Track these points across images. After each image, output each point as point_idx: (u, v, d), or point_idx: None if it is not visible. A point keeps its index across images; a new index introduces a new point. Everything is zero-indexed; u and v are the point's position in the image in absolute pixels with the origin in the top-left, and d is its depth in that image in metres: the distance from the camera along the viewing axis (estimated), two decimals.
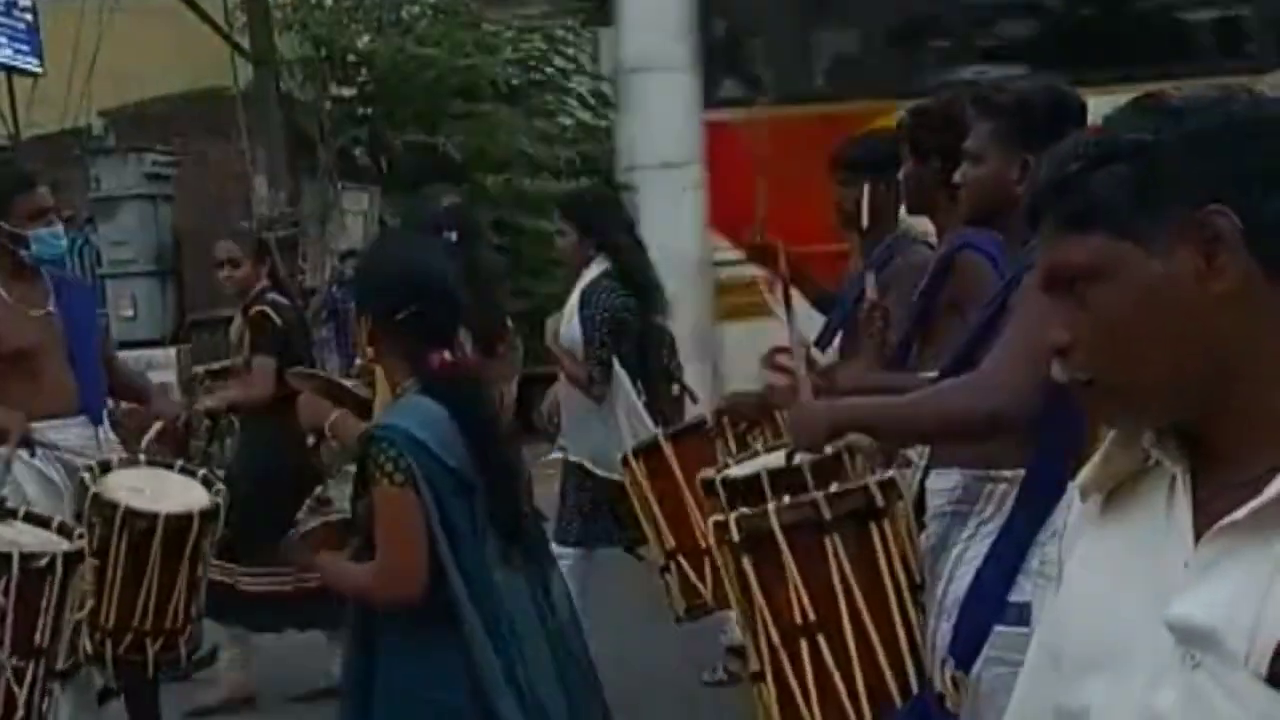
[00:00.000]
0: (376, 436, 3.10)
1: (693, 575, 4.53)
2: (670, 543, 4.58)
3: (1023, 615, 2.67)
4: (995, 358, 2.74)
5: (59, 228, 5.11)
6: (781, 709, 3.18)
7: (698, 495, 4.25)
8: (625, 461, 4.83)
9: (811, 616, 3.13)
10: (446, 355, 3.21)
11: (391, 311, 3.16)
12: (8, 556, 4.03)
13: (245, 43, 13.93)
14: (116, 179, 13.59)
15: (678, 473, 4.52)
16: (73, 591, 4.20)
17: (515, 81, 15.88)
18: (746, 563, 3.16)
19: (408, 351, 3.19)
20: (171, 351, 12.65)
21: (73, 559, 4.19)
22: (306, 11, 14.96)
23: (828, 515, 3.15)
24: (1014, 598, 2.69)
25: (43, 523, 4.37)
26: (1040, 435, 2.66)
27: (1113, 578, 1.40)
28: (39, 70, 14.51)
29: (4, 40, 14.16)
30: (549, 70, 17.04)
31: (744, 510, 3.28)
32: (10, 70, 14.22)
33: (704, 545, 4.14)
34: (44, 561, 4.07)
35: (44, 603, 4.07)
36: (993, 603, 2.72)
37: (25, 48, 14.53)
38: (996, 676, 2.70)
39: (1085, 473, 1.46)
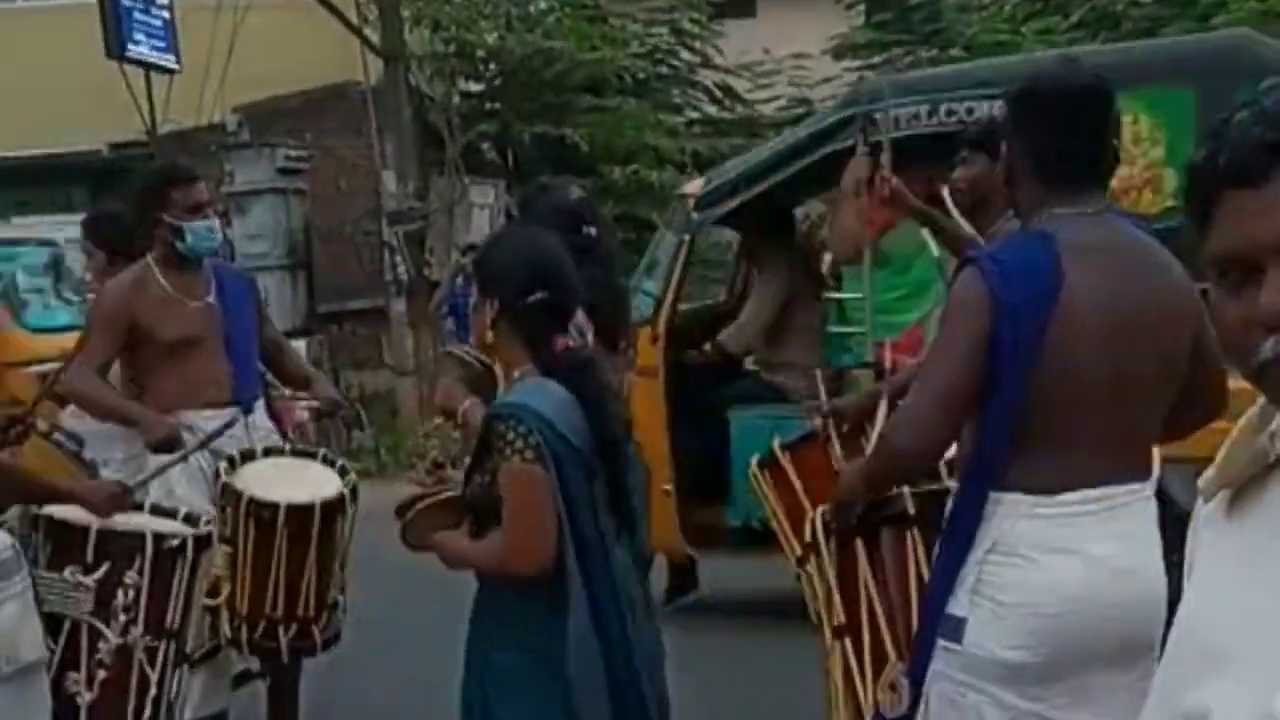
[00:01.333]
0: (503, 414, 3.15)
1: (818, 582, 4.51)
2: (797, 550, 4.56)
3: (959, 630, 2.72)
4: (904, 404, 2.91)
5: (214, 221, 5.20)
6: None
7: (816, 502, 4.26)
8: (753, 474, 4.81)
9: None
10: (568, 341, 3.31)
11: (518, 297, 3.23)
12: (141, 537, 4.13)
13: (376, 38, 14.09)
14: (250, 174, 13.85)
15: (795, 481, 4.50)
16: (202, 575, 4.30)
17: (642, 75, 15.89)
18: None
19: (530, 336, 3.25)
20: (302, 343, 12.84)
21: (202, 542, 4.30)
22: (437, 7, 15.09)
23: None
24: (951, 610, 2.73)
25: (168, 514, 4.46)
26: (968, 453, 2.77)
27: (1237, 578, 1.37)
28: (176, 67, 14.81)
29: (142, 37, 14.46)
30: (675, 64, 17.04)
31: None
32: (148, 67, 14.52)
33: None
34: (175, 543, 4.18)
35: (175, 585, 4.18)
36: (935, 616, 2.77)
37: (162, 44, 14.83)
38: (940, 691, 2.76)
39: (1208, 473, 1.42)
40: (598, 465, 3.23)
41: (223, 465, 4.73)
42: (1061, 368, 2.67)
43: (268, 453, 4.95)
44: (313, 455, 5.09)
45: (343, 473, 4.95)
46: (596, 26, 15.77)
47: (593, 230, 4.51)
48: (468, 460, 3.39)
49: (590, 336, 4.33)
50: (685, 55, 17.05)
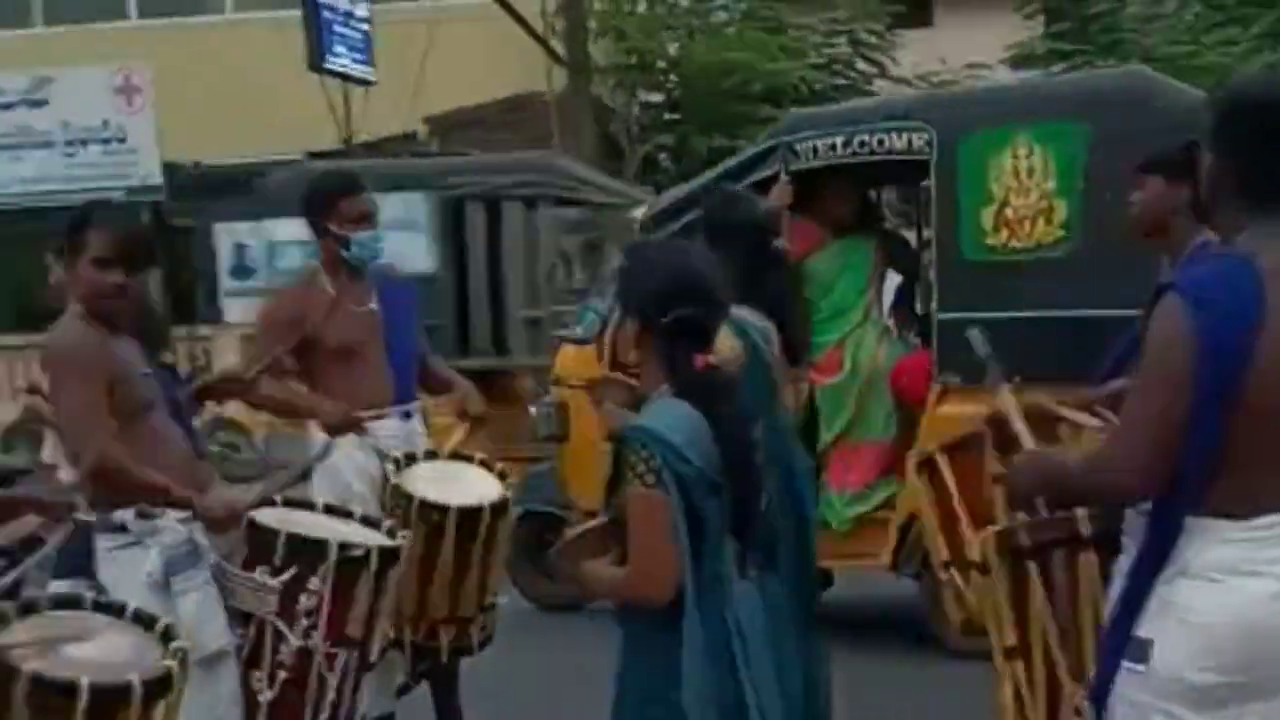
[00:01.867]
0: (628, 438, 3.14)
1: (962, 586, 4.50)
2: (944, 554, 4.57)
3: (1145, 652, 2.68)
4: (1118, 432, 2.85)
5: (378, 231, 5.29)
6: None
7: (970, 507, 4.26)
8: (908, 472, 4.82)
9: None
10: (709, 359, 3.25)
11: (655, 316, 3.17)
12: (325, 545, 4.18)
13: (561, 50, 14.46)
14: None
15: (951, 485, 4.51)
16: (390, 587, 4.32)
17: (818, 86, 16.05)
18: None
19: (668, 355, 3.21)
20: None
21: (389, 555, 4.31)
22: (621, 18, 15.42)
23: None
24: (1137, 633, 2.71)
25: (345, 515, 4.54)
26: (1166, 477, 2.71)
27: None
28: (372, 79, 15.44)
29: (342, 50, 15.09)
30: (852, 74, 17.14)
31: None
32: (346, 78, 15.16)
33: (973, 560, 3.97)
34: (359, 553, 4.19)
35: (358, 594, 4.19)
36: (1120, 638, 2.74)
37: (360, 56, 15.46)
38: (1124, 714, 2.72)
39: None
40: (725, 485, 3.17)
41: (389, 468, 4.84)
42: (1264, 398, 2.62)
43: (428, 455, 5.06)
44: (469, 459, 5.16)
45: (501, 476, 5.06)
46: (776, 38, 15.94)
47: (780, 243, 4.57)
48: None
49: (776, 348, 4.37)
50: (862, 66, 17.14)
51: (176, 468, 4.16)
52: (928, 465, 4.55)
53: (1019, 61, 17.77)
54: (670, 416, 3.15)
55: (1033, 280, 6.25)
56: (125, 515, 4.07)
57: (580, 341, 7.45)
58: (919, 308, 7.11)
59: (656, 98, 15.88)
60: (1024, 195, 6.34)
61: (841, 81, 16.90)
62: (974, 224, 6.43)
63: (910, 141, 6.55)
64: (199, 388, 4.83)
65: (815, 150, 6.69)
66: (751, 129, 15.18)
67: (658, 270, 3.26)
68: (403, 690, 5.12)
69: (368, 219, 5.23)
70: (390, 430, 5.20)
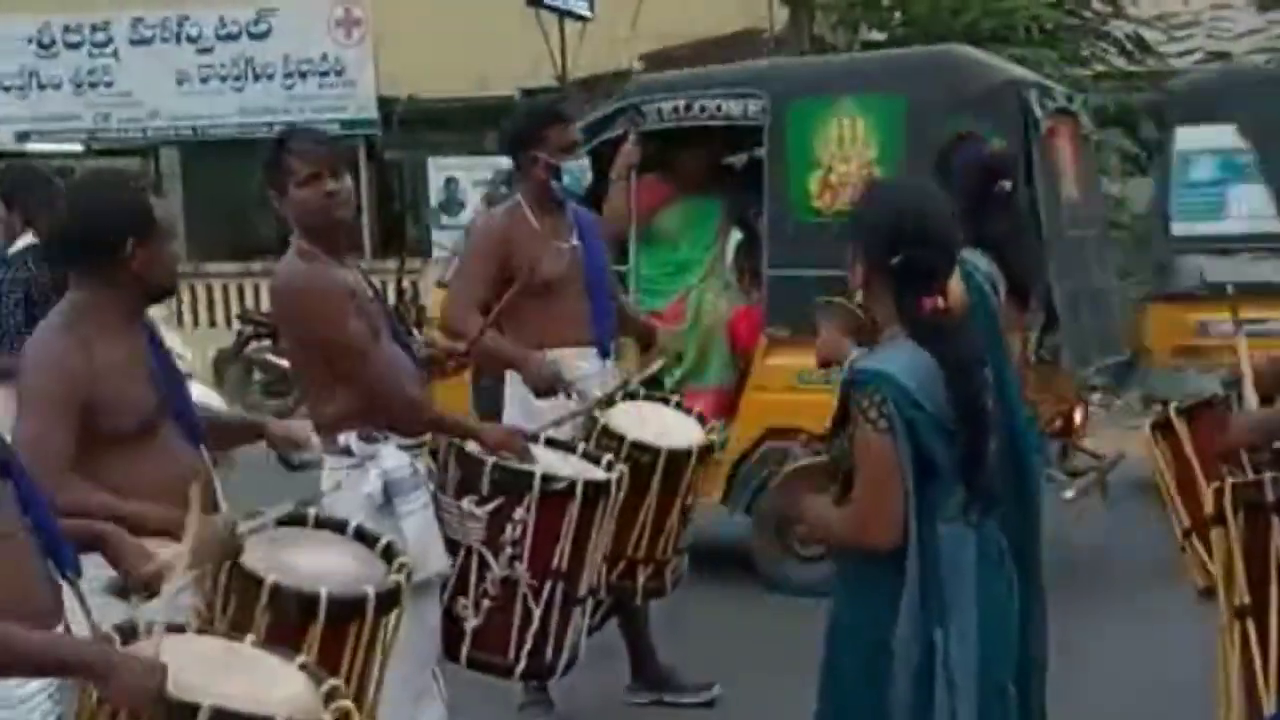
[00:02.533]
0: (859, 380, 3.11)
1: (1204, 555, 4.34)
2: (1185, 521, 4.41)
3: None
4: None
5: (585, 161, 5.27)
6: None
7: (1209, 472, 4.11)
8: (1145, 435, 4.67)
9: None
10: (939, 302, 3.18)
11: (885, 256, 3.15)
12: (530, 476, 4.21)
13: None
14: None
15: (1190, 450, 4.33)
16: (600, 520, 4.31)
17: (1050, 25, 15.36)
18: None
19: (898, 296, 3.16)
20: None
21: (599, 488, 4.30)
22: None
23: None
24: None
25: (567, 449, 4.55)
26: None
27: None
28: (589, 14, 15.30)
29: None
30: (1087, 14, 16.40)
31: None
32: (563, 14, 15.05)
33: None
34: (562, 485, 4.21)
35: (563, 527, 4.21)
36: None
37: None
38: None
39: None
40: (960, 434, 3.12)
41: (595, 408, 4.82)
42: None
43: (627, 396, 5.05)
44: (665, 402, 5.20)
45: (701, 420, 5.07)
46: None
47: (1007, 185, 4.43)
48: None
49: (1002, 290, 4.29)
50: (1097, 4, 16.36)
51: (409, 394, 4.19)
52: (1164, 429, 4.42)
53: (1266, 4, 16.77)
54: (902, 359, 3.11)
55: None
56: (348, 438, 4.10)
57: None
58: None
59: (879, 35, 15.37)
60: (846, 162, 6.82)
61: (1075, 21, 16.16)
62: (802, 188, 6.88)
63: (746, 108, 6.97)
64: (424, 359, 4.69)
65: (660, 113, 7.11)
66: None
67: (888, 209, 3.22)
68: (589, 630, 4.97)
69: (575, 147, 5.20)
70: (588, 370, 5.16)
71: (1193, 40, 16.79)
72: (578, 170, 5.17)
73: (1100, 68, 16.29)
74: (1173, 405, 4.54)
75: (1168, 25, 16.41)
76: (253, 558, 3.25)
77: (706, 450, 4.90)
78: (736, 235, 7.48)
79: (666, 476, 4.76)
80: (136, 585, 2.89)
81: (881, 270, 3.16)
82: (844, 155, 6.83)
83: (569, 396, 4.99)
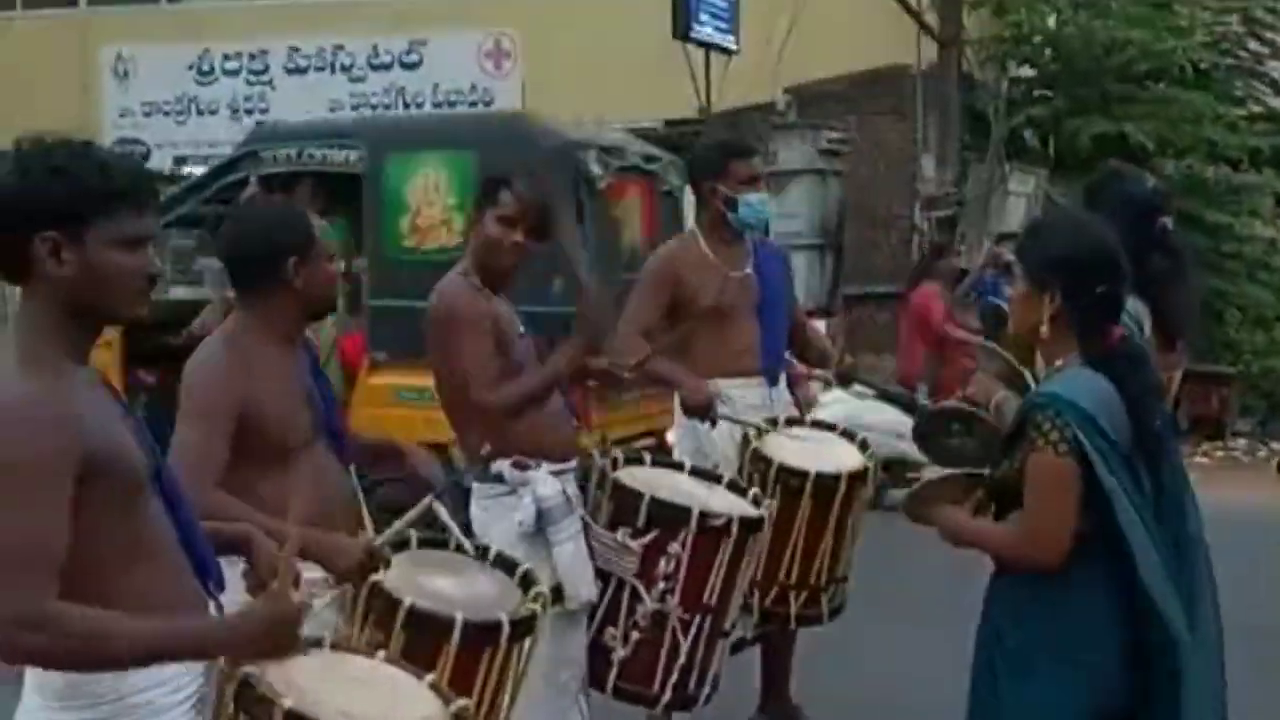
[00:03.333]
0: (1041, 404, 3.13)
1: None
2: None
3: None
4: None
5: (765, 195, 5.33)
6: None
7: None
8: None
9: None
10: (1120, 330, 3.24)
11: (1083, 289, 3.17)
12: (687, 511, 4.23)
13: (933, 22, 14.06)
14: (793, 154, 14.16)
15: None
16: (749, 556, 4.34)
17: (1204, 65, 15.09)
18: None
19: (1087, 328, 3.19)
20: (822, 323, 13.04)
21: (751, 524, 4.32)
22: None
23: None
24: None
25: (713, 479, 4.58)
26: None
27: None
28: (735, 48, 15.33)
29: (706, 18, 15.04)
30: (1242, 53, 16.07)
31: None
32: (709, 47, 15.10)
33: None
34: (719, 522, 4.23)
35: (716, 562, 4.23)
36: None
37: (724, 26, 15.39)
38: None
39: None
40: (1138, 462, 3.16)
41: (751, 432, 4.87)
42: None
43: (790, 422, 5.09)
44: (832, 428, 5.15)
45: (863, 447, 5.02)
46: (1163, 14, 15.09)
47: (1167, 222, 4.36)
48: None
49: (1148, 328, 4.23)
50: (1254, 45, 16.03)
51: (547, 422, 4.30)
52: None
53: None
54: (1085, 386, 3.13)
55: (440, 278, 6.91)
56: (502, 465, 4.18)
57: None
58: None
59: (1029, 73, 15.21)
60: (431, 207, 7.88)
61: (1231, 62, 15.85)
62: (395, 229, 7.93)
63: (348, 157, 8.05)
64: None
65: (275, 158, 8.17)
66: (1130, 109, 14.37)
67: (1081, 245, 3.23)
68: (736, 647, 5.01)
69: (756, 180, 5.24)
70: (753, 399, 5.17)
71: None
72: (758, 203, 5.22)
73: (1257, 109, 15.93)
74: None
75: None
76: (392, 578, 3.30)
77: (858, 475, 4.86)
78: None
79: (816, 501, 4.75)
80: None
81: (1077, 303, 3.18)
82: (429, 201, 7.86)
83: (713, 425, 5.01)
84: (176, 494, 2.62)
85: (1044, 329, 3.21)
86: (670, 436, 5.35)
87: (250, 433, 3.35)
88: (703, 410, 5.03)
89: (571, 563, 4.15)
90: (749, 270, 5.26)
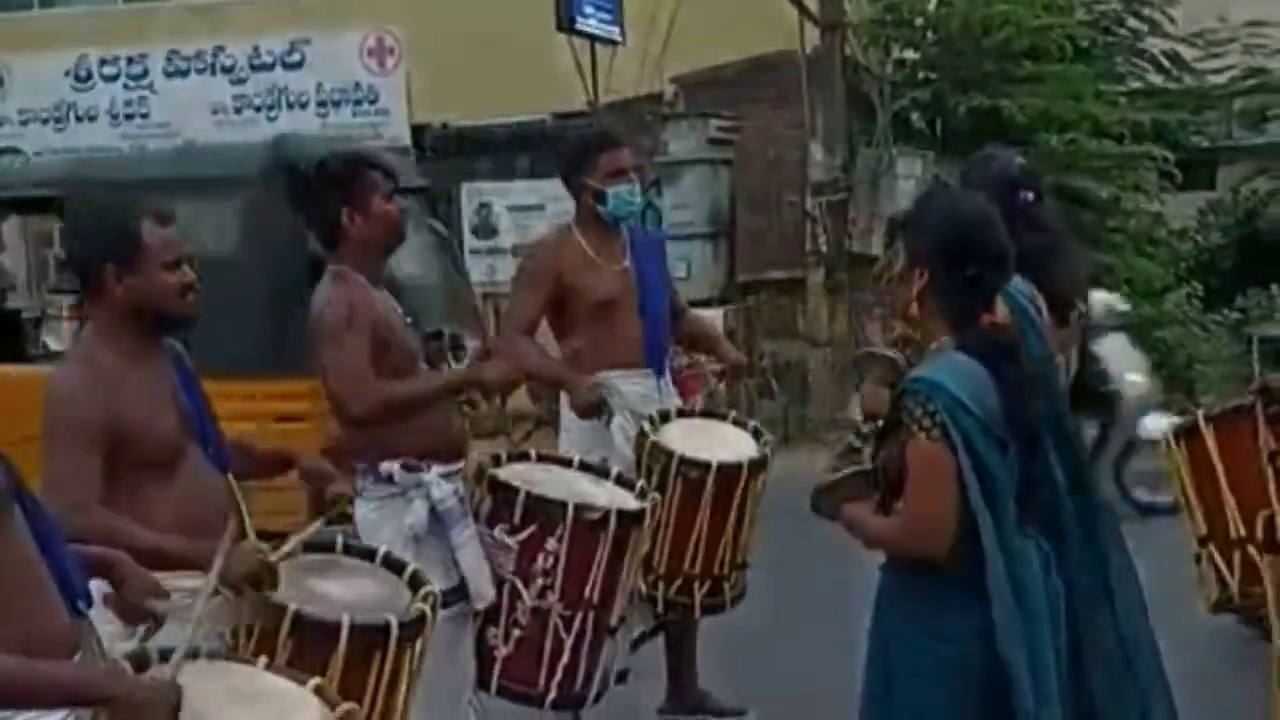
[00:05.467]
0: (911, 388, 3.11)
1: (1223, 567, 4.25)
2: (1202, 530, 4.33)
3: None
4: None
5: (635, 186, 5.31)
6: None
7: (1235, 482, 4.04)
8: (1166, 444, 4.59)
9: None
10: (994, 316, 3.22)
11: (952, 270, 3.16)
12: (563, 506, 4.21)
13: (814, 7, 14.10)
14: (682, 144, 14.18)
15: (1216, 459, 4.25)
16: (632, 550, 4.32)
17: (1085, 42, 15.28)
18: None
19: (958, 310, 3.17)
20: (719, 312, 13.09)
21: (630, 518, 4.30)
22: None
23: None
24: None
25: (601, 474, 4.56)
26: None
27: None
28: (620, 39, 15.30)
29: (590, 10, 14.99)
30: (1123, 30, 16.31)
31: None
32: (594, 39, 15.06)
33: (1235, 536, 3.97)
34: (596, 516, 4.22)
35: (597, 557, 4.22)
36: None
37: (608, 17, 15.34)
38: None
39: None
40: (1011, 448, 3.13)
41: (645, 425, 4.88)
42: None
43: (681, 414, 5.11)
44: (722, 417, 5.20)
45: (756, 434, 5.07)
46: None
47: (1029, 195, 4.39)
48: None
49: (1044, 307, 4.26)
50: (1132, 22, 16.28)
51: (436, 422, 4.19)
52: (1187, 434, 4.33)
53: None
54: (957, 370, 3.10)
55: None
56: (391, 467, 4.12)
57: None
58: None
59: (912, 55, 15.32)
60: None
61: (1111, 39, 16.08)
62: None
63: None
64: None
65: None
66: (1012, 88, 14.52)
67: (951, 226, 3.22)
68: (636, 642, 5.06)
69: (625, 173, 5.21)
70: (640, 389, 5.18)
71: (1230, 57, 16.69)
72: (627, 194, 5.19)
73: (1136, 85, 16.18)
74: (1201, 412, 4.47)
75: (1205, 42, 16.30)
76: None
77: (758, 464, 4.88)
78: None
79: (719, 491, 4.75)
80: (137, 614, 2.85)
81: (947, 283, 3.16)
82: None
83: (610, 420, 4.99)
84: (40, 512, 2.55)
85: (913, 307, 3.20)
86: (562, 441, 5.29)
87: (118, 447, 3.26)
88: (594, 409, 5.01)
89: (474, 564, 4.12)
90: (627, 263, 5.25)
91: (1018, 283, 4.08)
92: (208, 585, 2.91)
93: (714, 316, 12.48)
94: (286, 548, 3.39)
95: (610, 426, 5.03)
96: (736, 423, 5.15)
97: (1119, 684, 3.68)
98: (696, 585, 4.87)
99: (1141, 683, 3.82)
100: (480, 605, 4.11)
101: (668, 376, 5.37)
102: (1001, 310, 3.60)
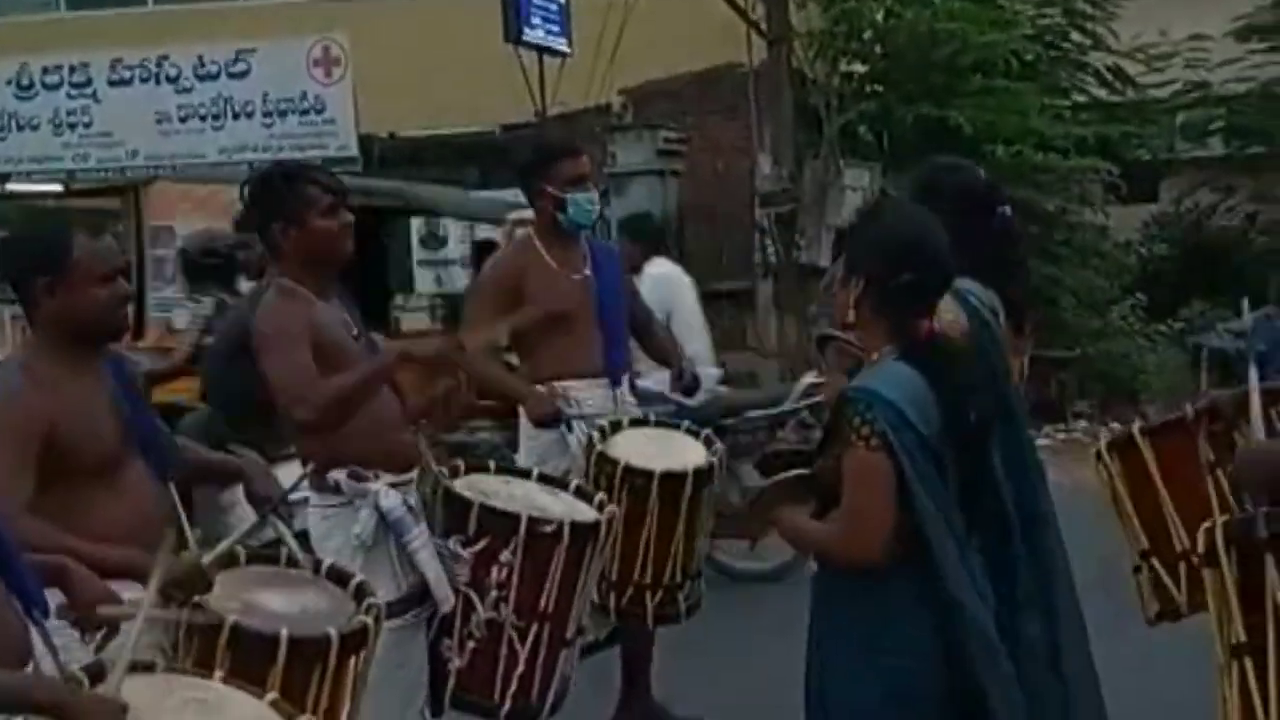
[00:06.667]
0: (851, 398, 3.11)
1: (1166, 578, 4.27)
2: (1143, 543, 4.34)
3: None
4: None
5: (594, 194, 5.28)
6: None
7: (1176, 494, 4.05)
8: (1098, 456, 4.59)
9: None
10: (933, 324, 3.20)
11: (887, 277, 3.15)
12: (516, 518, 4.18)
13: (761, 20, 14.17)
14: (630, 155, 14.19)
15: (1154, 471, 4.27)
16: (589, 563, 4.28)
17: (1030, 57, 15.44)
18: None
19: (895, 318, 3.17)
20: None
21: (586, 530, 4.25)
22: None
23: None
24: None
25: (560, 485, 4.52)
26: None
27: None
28: (568, 51, 15.30)
29: (538, 21, 15.01)
30: (1066, 45, 16.49)
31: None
32: (542, 51, 15.05)
33: (1180, 549, 3.97)
34: (549, 529, 4.18)
35: (551, 569, 4.18)
36: None
37: (556, 29, 15.36)
38: None
39: None
40: (949, 457, 3.13)
41: (594, 435, 4.85)
42: None
43: (634, 424, 5.08)
44: (675, 426, 5.18)
45: (708, 443, 5.04)
46: (987, 8, 15.40)
47: (1007, 210, 4.33)
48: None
49: (1001, 317, 4.17)
50: (1076, 37, 16.46)
51: (385, 432, 4.12)
52: (1122, 447, 4.30)
53: (1245, 34, 16.88)
54: (896, 379, 3.09)
55: None
56: (338, 476, 4.06)
57: None
58: None
59: (860, 68, 15.41)
60: None
61: (1055, 54, 16.25)
62: None
63: None
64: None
65: None
66: (959, 101, 14.62)
67: (887, 232, 3.23)
68: (589, 649, 4.97)
69: (584, 180, 5.19)
70: (597, 399, 5.16)
71: (1172, 71, 16.89)
72: (586, 202, 5.17)
73: (1081, 99, 16.35)
74: (1137, 425, 4.48)
75: (1147, 56, 16.49)
76: (216, 596, 3.22)
77: (704, 472, 4.87)
78: None
79: (664, 500, 4.75)
80: (91, 622, 2.83)
81: (882, 290, 3.16)
82: None
83: (569, 429, 4.99)
84: None
85: (850, 314, 3.22)
86: (521, 452, 5.27)
87: (54, 454, 3.24)
88: (551, 418, 5.00)
89: (432, 565, 4.09)
90: (588, 271, 5.23)
91: (977, 290, 4.09)
92: (149, 595, 2.85)
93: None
94: (221, 548, 3.39)
95: (569, 437, 4.99)
96: (689, 431, 5.13)
97: (1046, 684, 3.67)
98: (649, 595, 4.86)
99: (1070, 685, 3.83)
100: (445, 608, 4.07)
101: (625, 386, 5.32)
102: (959, 316, 3.63)
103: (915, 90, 14.87)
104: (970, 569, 3.16)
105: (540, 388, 5.08)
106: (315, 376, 3.97)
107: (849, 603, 3.17)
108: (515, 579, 4.16)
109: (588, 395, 5.15)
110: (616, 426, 4.97)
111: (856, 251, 3.25)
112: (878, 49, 15.45)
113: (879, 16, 15.23)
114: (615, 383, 5.25)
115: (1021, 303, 4.37)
